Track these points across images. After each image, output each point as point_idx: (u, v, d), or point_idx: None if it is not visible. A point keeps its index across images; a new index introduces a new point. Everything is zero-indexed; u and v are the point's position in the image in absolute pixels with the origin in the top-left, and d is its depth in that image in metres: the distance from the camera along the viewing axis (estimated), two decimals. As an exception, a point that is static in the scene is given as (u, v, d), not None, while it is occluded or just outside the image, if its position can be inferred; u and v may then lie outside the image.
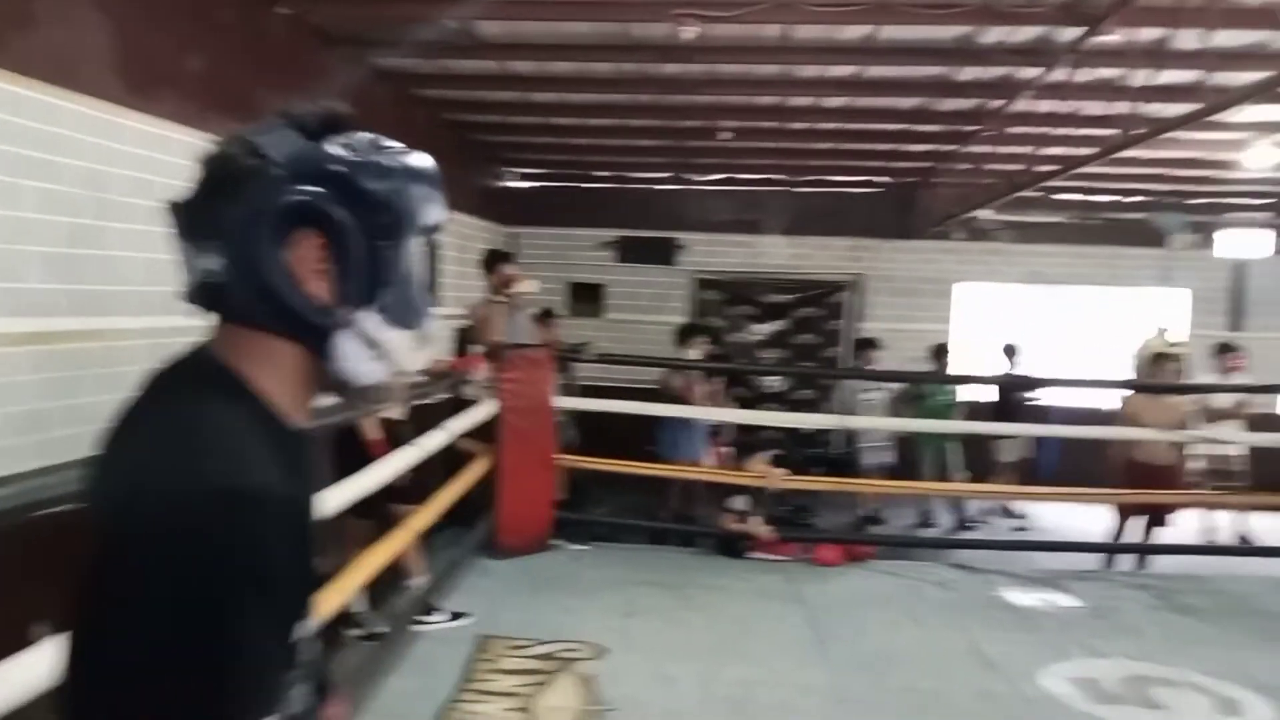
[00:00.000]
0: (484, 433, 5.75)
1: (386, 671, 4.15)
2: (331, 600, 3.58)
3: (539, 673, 4.23)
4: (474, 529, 5.88)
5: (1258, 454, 8.22)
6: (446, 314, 7.86)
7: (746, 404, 10.41)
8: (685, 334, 7.83)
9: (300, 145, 1.03)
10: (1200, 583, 6.16)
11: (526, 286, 6.05)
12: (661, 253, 11.39)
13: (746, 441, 7.24)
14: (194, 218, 1.03)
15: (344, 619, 4.62)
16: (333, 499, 3.61)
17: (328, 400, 1.16)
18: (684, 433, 7.21)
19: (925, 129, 8.14)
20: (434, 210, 1.10)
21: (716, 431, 7.79)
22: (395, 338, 1.08)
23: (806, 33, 5.91)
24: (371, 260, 1.05)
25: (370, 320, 1.06)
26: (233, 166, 1.01)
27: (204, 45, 4.69)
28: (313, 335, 1.05)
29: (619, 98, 7.55)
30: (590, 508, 7.17)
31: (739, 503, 6.47)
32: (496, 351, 5.74)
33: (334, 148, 1.04)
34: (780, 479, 6.52)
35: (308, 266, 1.03)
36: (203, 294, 1.03)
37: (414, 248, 1.09)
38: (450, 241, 8.69)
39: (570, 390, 7.33)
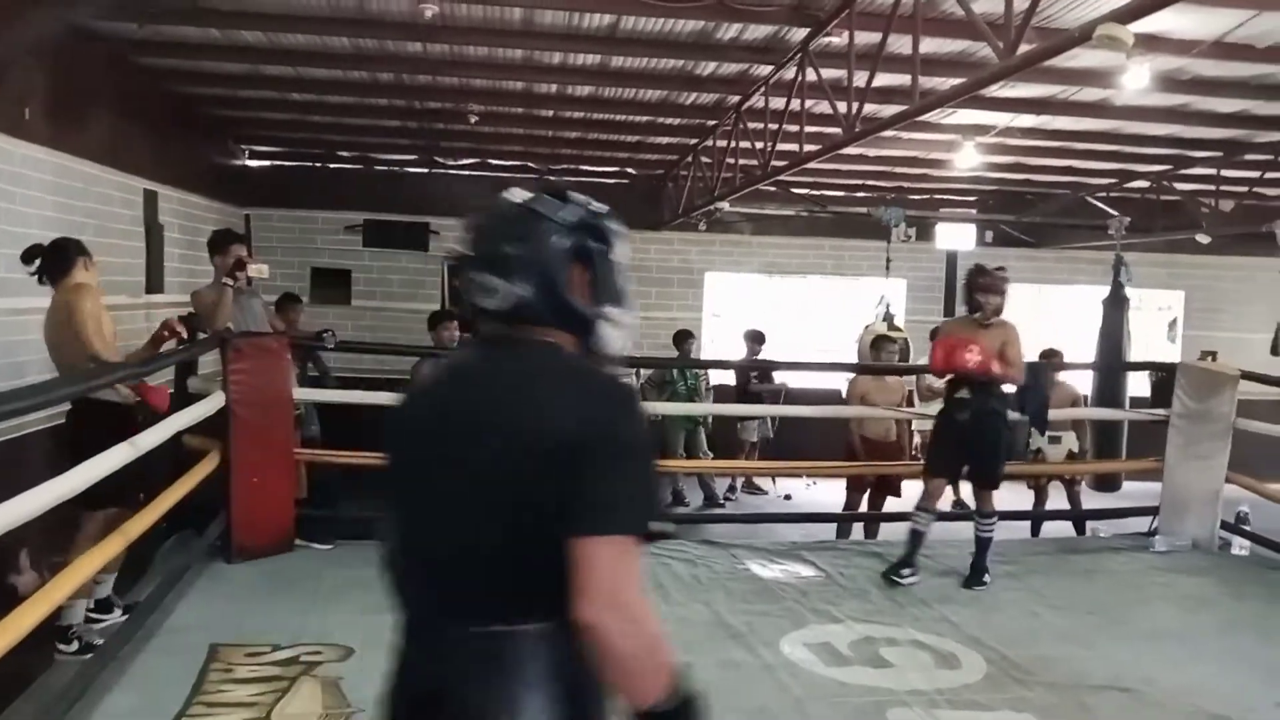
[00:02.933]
0: (213, 428, 5.35)
1: (104, 689, 3.78)
2: (37, 609, 3.21)
3: (279, 680, 4.00)
4: (204, 532, 5.48)
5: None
6: (169, 302, 7.30)
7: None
8: (436, 320, 7.65)
9: (561, 207, 1.59)
10: (921, 548, 6.71)
11: (258, 270, 5.66)
12: (413, 237, 11.07)
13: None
14: (502, 261, 1.56)
15: (55, 631, 4.20)
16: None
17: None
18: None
19: (670, 122, 8.37)
20: (625, 244, 1.67)
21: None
22: (626, 318, 1.66)
23: (551, 19, 5.91)
24: (608, 276, 1.63)
25: (612, 312, 1.63)
26: (538, 223, 1.57)
27: None
28: (584, 328, 1.62)
29: (359, 75, 7.26)
30: (337, 504, 6.87)
31: None
32: (225, 340, 5.35)
33: (576, 206, 1.61)
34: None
35: (579, 285, 1.60)
36: (514, 310, 1.57)
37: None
38: (175, 223, 8.05)
39: (315, 381, 7.00)
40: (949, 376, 5.64)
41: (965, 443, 5.58)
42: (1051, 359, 7.78)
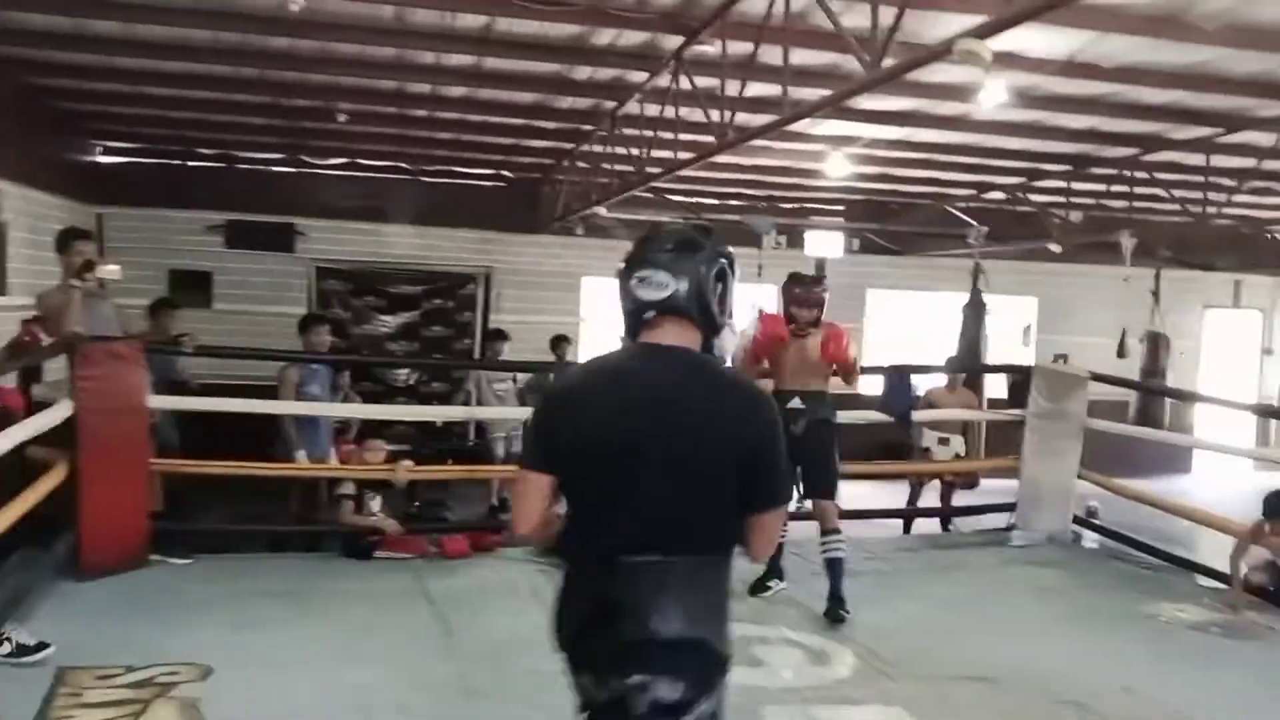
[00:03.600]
0: (60, 437, 5.05)
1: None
2: None
3: (132, 703, 3.79)
4: (51, 548, 5.16)
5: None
6: (14, 305, 6.88)
7: (375, 398, 10.12)
8: (307, 324, 7.41)
9: (712, 239, 2.24)
10: (791, 547, 6.83)
11: (109, 271, 5.37)
12: (278, 239, 10.69)
13: (364, 432, 6.97)
14: (671, 263, 2.16)
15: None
16: None
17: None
18: (304, 431, 6.80)
19: (545, 125, 8.34)
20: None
21: (343, 429, 7.47)
22: (737, 329, 2.32)
23: (423, 17, 5.80)
24: (730, 298, 2.24)
25: (731, 323, 2.26)
26: (700, 243, 2.21)
27: None
28: (713, 329, 2.22)
29: (221, 69, 6.96)
30: (196, 516, 6.58)
31: (349, 488, 6.23)
32: (73, 344, 5.05)
33: (719, 242, 2.26)
34: (405, 471, 6.36)
35: (715, 298, 2.20)
36: (670, 300, 2.16)
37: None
38: (21, 221, 7.58)
39: (174, 388, 6.68)
40: (773, 386, 5.41)
41: (798, 454, 4.99)
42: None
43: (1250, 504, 6.41)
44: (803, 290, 5.52)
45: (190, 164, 10.47)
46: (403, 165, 10.52)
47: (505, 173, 10.86)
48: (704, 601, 2.17)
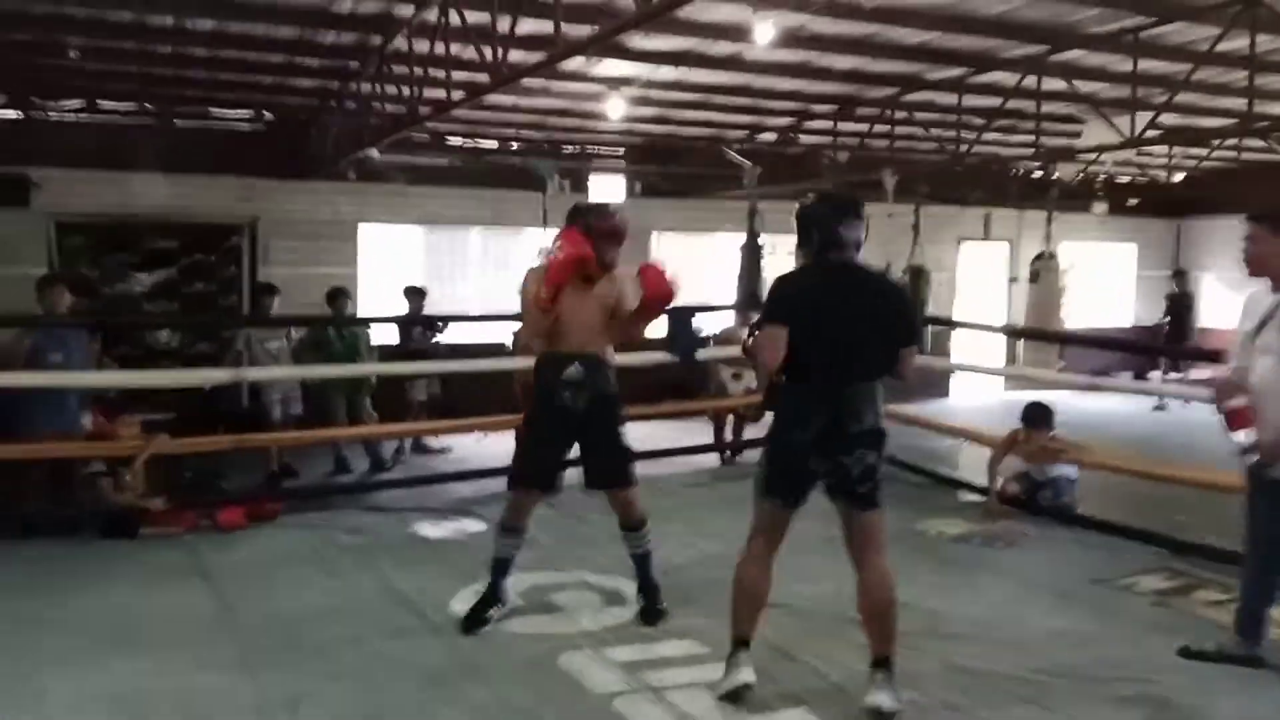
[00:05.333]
0: None
1: None
2: None
3: None
4: None
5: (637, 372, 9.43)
6: None
7: (135, 363, 9.34)
8: (46, 284, 6.69)
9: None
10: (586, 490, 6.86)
11: None
12: (10, 193, 9.54)
13: (115, 404, 6.39)
14: (854, 219, 3.59)
15: None
16: None
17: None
18: (48, 403, 6.15)
19: (308, 62, 7.82)
20: None
21: (100, 397, 6.84)
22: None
23: (159, -59, 5.25)
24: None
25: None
26: (861, 209, 3.66)
27: None
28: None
29: (-78, -1, 6.08)
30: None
31: (101, 464, 5.72)
32: None
33: None
34: (164, 443, 5.88)
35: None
36: (857, 246, 3.59)
37: None
38: None
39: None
40: (539, 349, 4.40)
41: (577, 434, 4.34)
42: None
43: (1003, 420, 6.94)
44: (603, 221, 4.24)
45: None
46: (148, 106, 9.61)
47: (267, 114, 10.15)
48: (879, 408, 3.57)
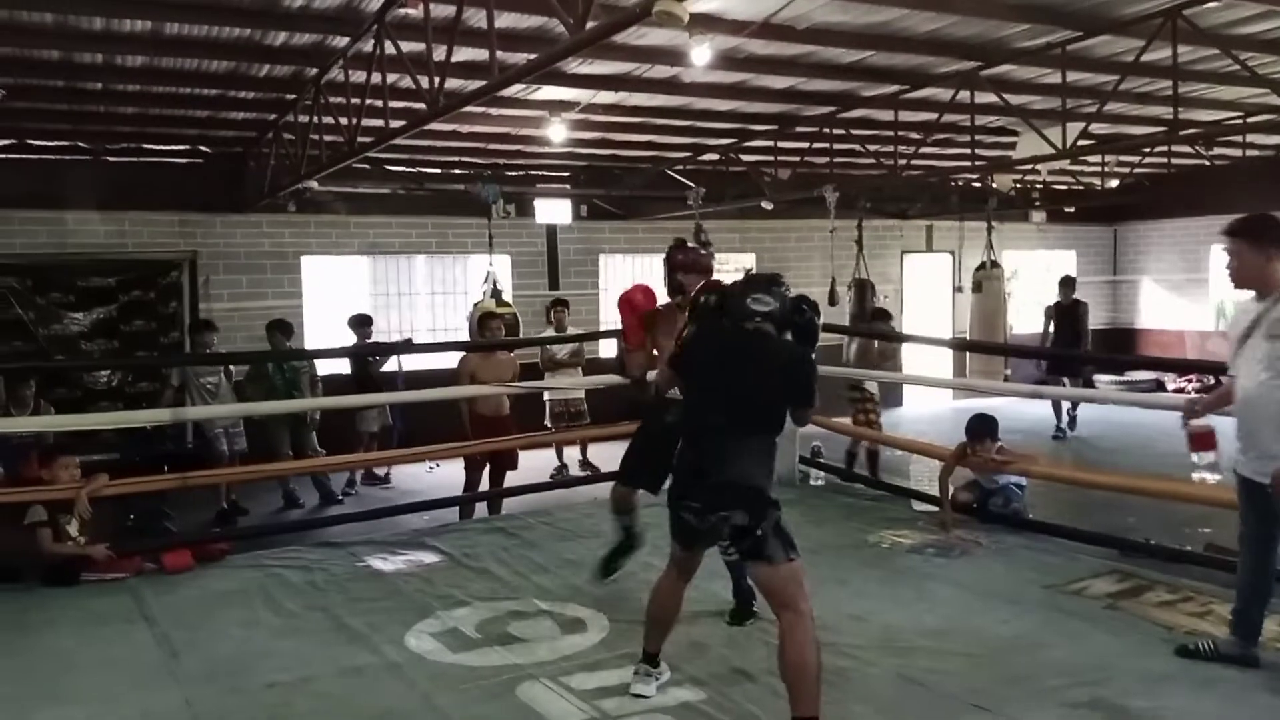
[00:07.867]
0: None
1: None
2: None
3: None
4: None
5: (592, 395, 9.47)
6: None
7: (74, 404, 9.13)
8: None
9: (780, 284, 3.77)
10: (541, 516, 6.81)
11: None
12: (-65, 236, 9.33)
13: (50, 448, 6.20)
14: (763, 291, 3.67)
15: None
16: None
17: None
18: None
19: (243, 95, 7.73)
20: None
21: (35, 441, 6.66)
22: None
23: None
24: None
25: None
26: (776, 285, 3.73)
27: None
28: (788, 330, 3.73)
29: None
30: None
31: (40, 513, 5.54)
32: None
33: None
34: (101, 486, 5.72)
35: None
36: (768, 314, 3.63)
37: None
38: None
39: None
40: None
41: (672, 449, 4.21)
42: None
43: (952, 430, 7.01)
44: (688, 255, 4.77)
45: None
46: (80, 144, 9.43)
47: (203, 148, 10.00)
48: (763, 463, 3.58)
